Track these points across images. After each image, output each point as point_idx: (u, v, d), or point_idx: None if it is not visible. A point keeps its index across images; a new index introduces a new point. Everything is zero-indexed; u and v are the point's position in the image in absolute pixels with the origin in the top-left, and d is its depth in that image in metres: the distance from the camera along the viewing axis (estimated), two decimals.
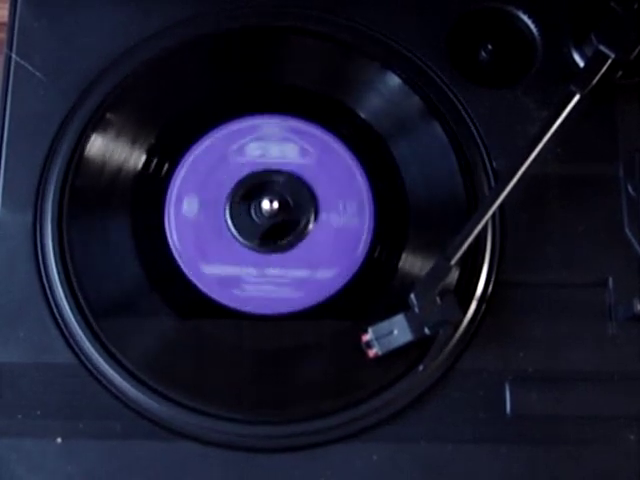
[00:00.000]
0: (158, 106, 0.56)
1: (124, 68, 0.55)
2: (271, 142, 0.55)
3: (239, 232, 0.54)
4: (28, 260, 0.52)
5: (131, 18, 0.56)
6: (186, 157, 0.55)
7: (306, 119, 0.56)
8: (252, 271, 0.53)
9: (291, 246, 0.54)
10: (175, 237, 0.53)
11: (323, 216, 0.54)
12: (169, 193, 0.54)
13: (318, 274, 0.53)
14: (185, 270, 0.53)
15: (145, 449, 0.49)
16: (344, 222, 0.54)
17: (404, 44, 0.56)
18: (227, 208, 0.54)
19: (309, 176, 0.55)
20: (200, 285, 0.53)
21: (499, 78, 0.56)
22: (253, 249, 0.54)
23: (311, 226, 0.54)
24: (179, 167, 0.55)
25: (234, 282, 0.53)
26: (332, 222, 0.54)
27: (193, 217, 0.54)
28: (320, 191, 0.55)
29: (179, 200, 0.54)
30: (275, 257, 0.54)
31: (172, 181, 0.55)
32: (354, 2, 0.57)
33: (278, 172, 0.55)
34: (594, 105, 0.55)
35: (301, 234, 0.54)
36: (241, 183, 0.54)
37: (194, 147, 0.55)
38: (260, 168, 0.55)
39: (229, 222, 0.54)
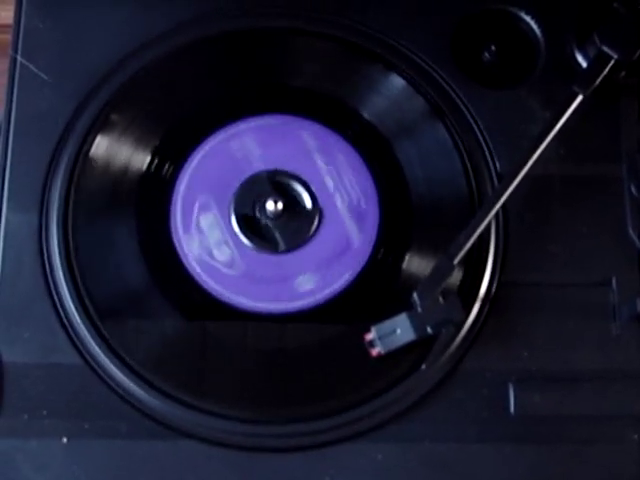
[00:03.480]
0: (163, 107, 0.56)
1: (129, 69, 0.55)
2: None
3: (251, 240, 0.54)
4: (33, 261, 0.52)
5: (135, 20, 0.56)
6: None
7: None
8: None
9: (307, 239, 0.54)
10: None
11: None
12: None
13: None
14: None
15: (150, 449, 0.49)
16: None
17: (408, 45, 0.56)
18: (234, 218, 0.54)
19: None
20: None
21: (502, 79, 0.56)
22: (272, 252, 0.54)
23: (319, 215, 0.54)
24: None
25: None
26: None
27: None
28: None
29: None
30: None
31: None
32: (358, 3, 0.57)
33: (278, 172, 0.55)
34: (597, 106, 0.55)
35: (311, 225, 0.54)
36: (243, 188, 0.54)
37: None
38: (261, 169, 0.55)
39: (240, 232, 0.54)
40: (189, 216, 0.54)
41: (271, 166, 0.55)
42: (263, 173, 0.55)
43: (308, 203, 0.54)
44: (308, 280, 0.53)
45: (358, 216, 0.54)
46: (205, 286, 0.53)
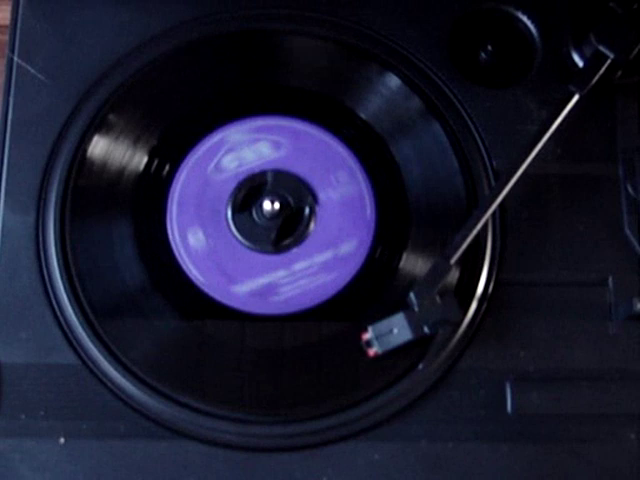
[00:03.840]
0: (160, 107, 0.56)
1: (126, 70, 0.56)
2: (261, 142, 0.56)
3: (251, 241, 0.54)
4: (31, 261, 0.52)
5: (133, 20, 0.56)
6: (188, 158, 0.55)
7: (305, 119, 0.56)
8: (281, 273, 0.53)
9: (305, 235, 0.54)
10: (194, 271, 0.53)
11: (322, 196, 0.54)
12: (171, 194, 0.54)
13: (341, 250, 0.53)
14: (217, 298, 0.53)
15: (147, 449, 0.49)
16: (343, 194, 0.54)
17: (404, 45, 0.56)
18: (231, 222, 0.54)
19: (297, 166, 0.55)
20: (237, 305, 0.53)
21: (499, 78, 0.57)
22: (271, 252, 0.54)
23: (316, 210, 0.54)
24: (181, 168, 0.55)
25: (269, 290, 0.53)
26: (333, 198, 0.54)
27: (203, 248, 0.53)
28: (311, 176, 0.55)
29: (181, 204, 0.54)
30: (295, 251, 0.54)
31: (174, 182, 0.55)
32: (354, 3, 0.57)
33: (275, 172, 0.55)
34: (593, 105, 0.55)
35: (309, 221, 0.54)
36: (236, 192, 0.54)
37: (196, 148, 0.55)
38: (258, 169, 0.55)
39: (238, 236, 0.54)
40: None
41: (267, 166, 0.55)
42: (260, 173, 0.55)
43: (305, 203, 0.54)
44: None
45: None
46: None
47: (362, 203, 0.54)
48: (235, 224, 0.54)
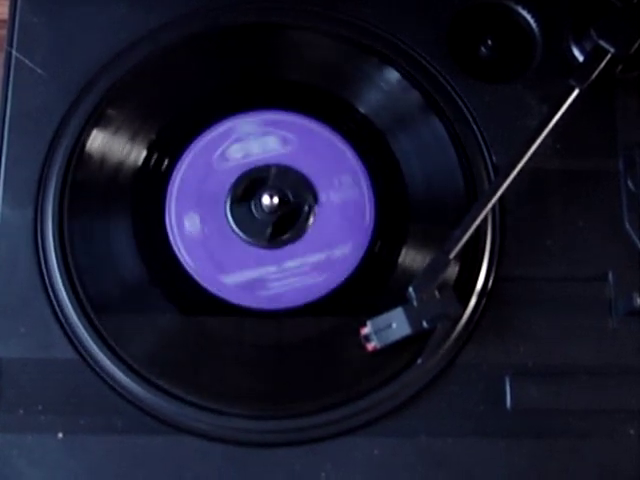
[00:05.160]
0: (159, 102, 0.56)
1: (124, 64, 0.55)
2: (267, 136, 0.55)
3: (247, 234, 0.53)
4: (29, 256, 0.52)
5: (131, 14, 0.56)
6: (187, 152, 0.55)
7: (305, 113, 0.56)
8: (272, 269, 0.53)
9: (301, 234, 0.54)
10: (187, 257, 0.53)
11: (323, 197, 0.54)
12: (169, 189, 0.54)
13: (335, 252, 0.53)
14: (206, 286, 0.53)
15: (146, 444, 0.49)
16: (344, 198, 0.54)
17: (404, 39, 0.56)
18: (229, 212, 0.54)
19: (302, 164, 0.55)
20: (225, 296, 0.53)
21: (499, 73, 0.56)
22: (265, 246, 0.53)
23: (315, 210, 0.54)
24: (180, 162, 0.55)
25: (258, 284, 0.53)
26: (333, 200, 0.54)
27: (198, 234, 0.53)
28: (315, 175, 0.55)
29: (180, 199, 0.54)
30: (289, 248, 0.54)
31: (172, 177, 0.55)
32: None
33: (274, 166, 0.55)
34: (594, 100, 0.55)
35: (307, 220, 0.54)
36: (238, 182, 0.54)
37: (195, 142, 0.55)
38: (256, 163, 0.55)
39: (235, 227, 0.54)
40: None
41: (267, 160, 0.55)
42: (259, 167, 0.55)
43: (304, 201, 0.54)
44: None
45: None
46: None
47: (362, 206, 0.54)
48: (233, 215, 0.54)
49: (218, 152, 0.55)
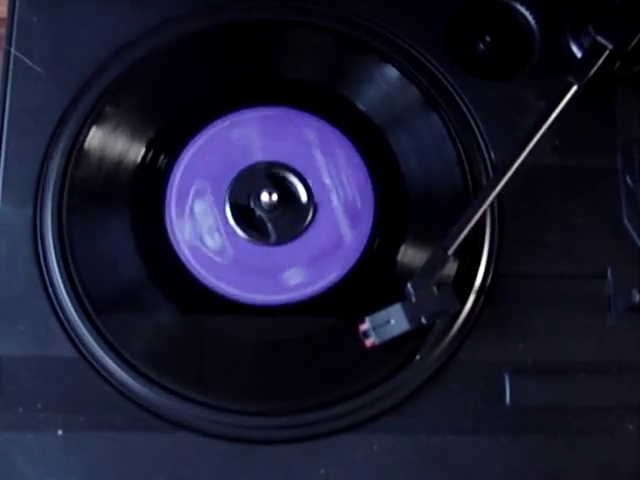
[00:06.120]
0: (157, 99, 0.56)
1: (123, 61, 0.55)
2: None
3: (246, 231, 0.53)
4: (28, 253, 0.52)
5: (130, 12, 0.56)
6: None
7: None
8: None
9: (300, 231, 0.54)
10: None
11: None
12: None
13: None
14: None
15: (146, 441, 0.49)
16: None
17: (402, 36, 0.56)
18: (228, 209, 0.54)
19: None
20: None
21: (497, 70, 0.56)
22: (264, 244, 0.53)
23: (313, 207, 0.54)
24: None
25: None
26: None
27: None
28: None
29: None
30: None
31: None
32: None
33: (274, 164, 0.55)
34: (592, 97, 0.55)
35: (305, 217, 0.54)
36: (238, 179, 0.54)
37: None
38: (256, 161, 0.55)
39: (234, 224, 0.54)
40: (184, 207, 0.54)
41: (266, 158, 0.55)
42: (258, 164, 0.55)
43: (303, 195, 0.54)
44: (301, 272, 0.53)
45: (353, 207, 0.54)
46: (199, 277, 0.53)
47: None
48: (232, 212, 0.54)
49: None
